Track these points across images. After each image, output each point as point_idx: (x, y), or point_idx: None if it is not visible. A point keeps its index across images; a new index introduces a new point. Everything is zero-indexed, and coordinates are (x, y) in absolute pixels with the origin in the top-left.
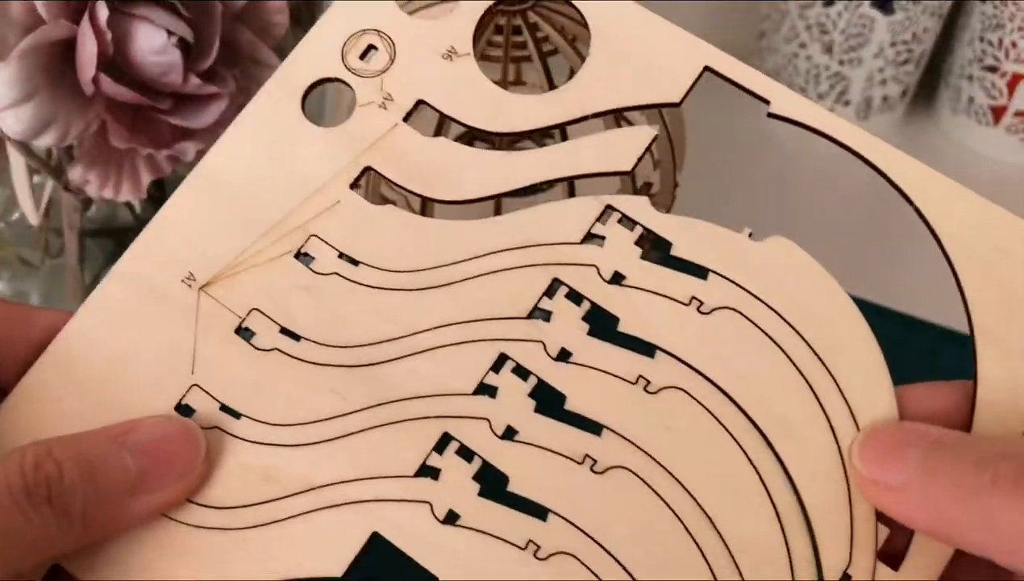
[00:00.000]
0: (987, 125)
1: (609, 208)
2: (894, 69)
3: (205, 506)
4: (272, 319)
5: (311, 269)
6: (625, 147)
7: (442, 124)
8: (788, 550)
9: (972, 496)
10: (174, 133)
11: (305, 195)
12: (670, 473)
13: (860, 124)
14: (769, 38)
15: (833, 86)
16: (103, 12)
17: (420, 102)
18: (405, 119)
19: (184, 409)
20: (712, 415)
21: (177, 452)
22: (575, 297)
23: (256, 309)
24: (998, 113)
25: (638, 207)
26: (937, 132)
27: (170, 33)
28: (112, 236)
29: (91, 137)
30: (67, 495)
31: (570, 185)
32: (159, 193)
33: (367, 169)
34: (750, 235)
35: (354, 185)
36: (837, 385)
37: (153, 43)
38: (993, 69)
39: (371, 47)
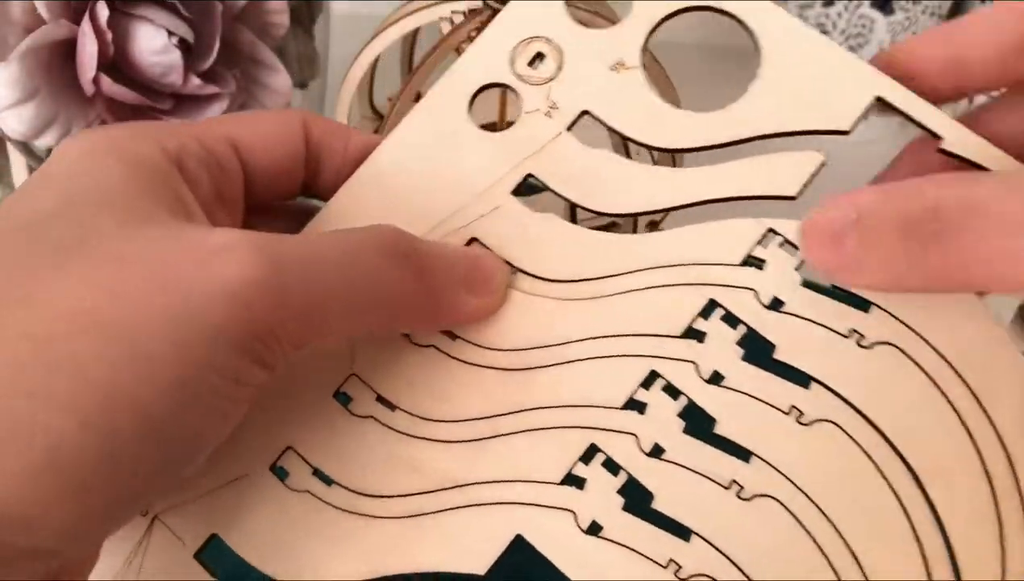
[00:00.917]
0: None
1: (771, 231)
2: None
3: (357, 492)
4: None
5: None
6: (791, 172)
7: None
8: None
9: (919, 257)
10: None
11: (468, 198)
12: (817, 506)
13: (860, 124)
14: None
15: None
16: (103, 12)
17: (584, 113)
18: (568, 128)
19: (341, 397)
20: (864, 452)
21: (492, 268)
22: (731, 320)
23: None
24: None
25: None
26: None
27: (170, 33)
28: None
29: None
30: (423, 257)
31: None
32: None
33: (529, 176)
34: None
35: (515, 191)
36: (996, 431)
37: (153, 43)
38: None
39: (539, 55)
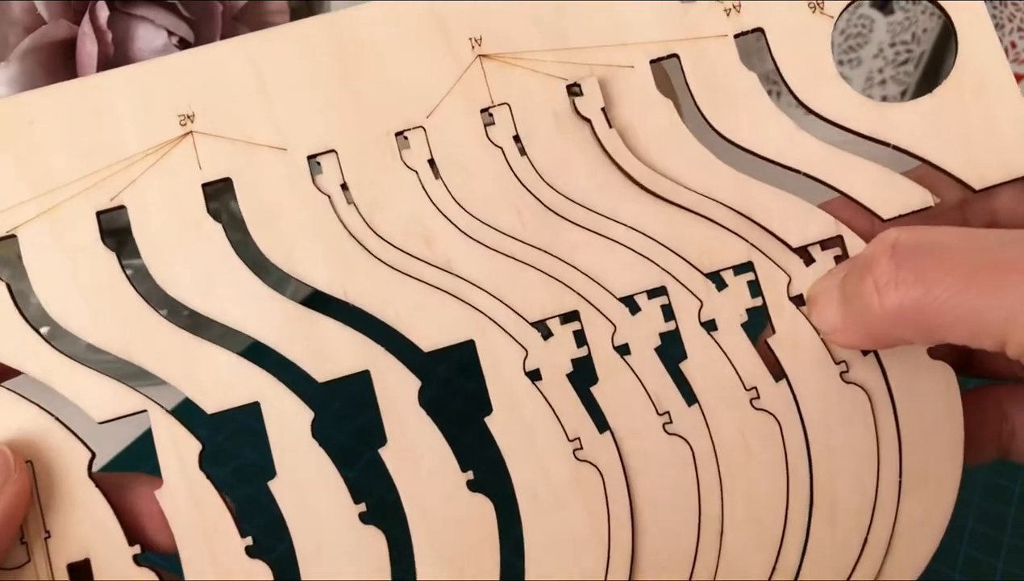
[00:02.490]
0: None
1: (750, 263)
2: (893, 69)
3: (369, 227)
4: (515, 122)
5: (577, 107)
6: (899, 197)
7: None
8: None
9: (873, 308)
10: None
11: (616, 41)
12: (720, 475)
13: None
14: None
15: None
16: (103, 12)
17: (758, 30)
18: (737, 36)
19: (400, 138)
20: (784, 458)
21: None
22: (755, 289)
23: (508, 105)
24: None
25: (775, 281)
26: None
27: (170, 33)
28: (112, 236)
29: None
30: None
31: None
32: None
33: (674, 55)
34: None
35: (654, 62)
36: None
37: (153, 43)
38: None
39: None
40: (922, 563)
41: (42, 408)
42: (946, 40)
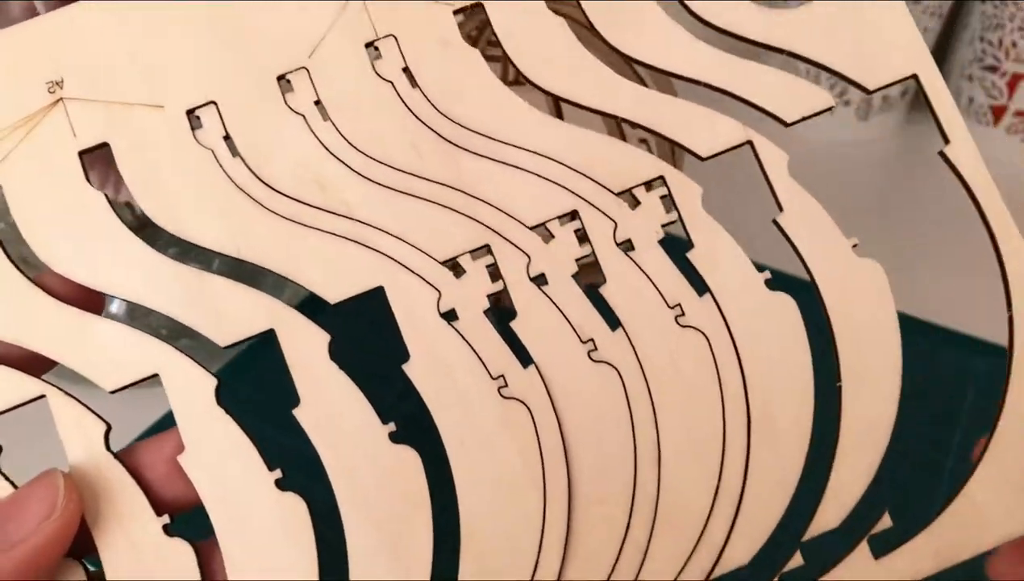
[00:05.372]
0: (987, 125)
1: (661, 179)
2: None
3: (257, 176)
4: (404, 55)
5: (456, 27)
6: (799, 101)
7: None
8: (708, 519)
9: None
10: None
11: None
12: (651, 395)
13: (860, 124)
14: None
15: (833, 86)
16: None
17: None
18: None
19: (283, 81)
20: (716, 372)
21: (31, 497)
22: (669, 202)
23: (394, 36)
24: (998, 113)
25: (689, 194)
26: (937, 132)
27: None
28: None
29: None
30: None
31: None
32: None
33: None
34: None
35: None
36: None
37: None
38: (993, 69)
39: None
40: (872, 467)
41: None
42: (945, 40)
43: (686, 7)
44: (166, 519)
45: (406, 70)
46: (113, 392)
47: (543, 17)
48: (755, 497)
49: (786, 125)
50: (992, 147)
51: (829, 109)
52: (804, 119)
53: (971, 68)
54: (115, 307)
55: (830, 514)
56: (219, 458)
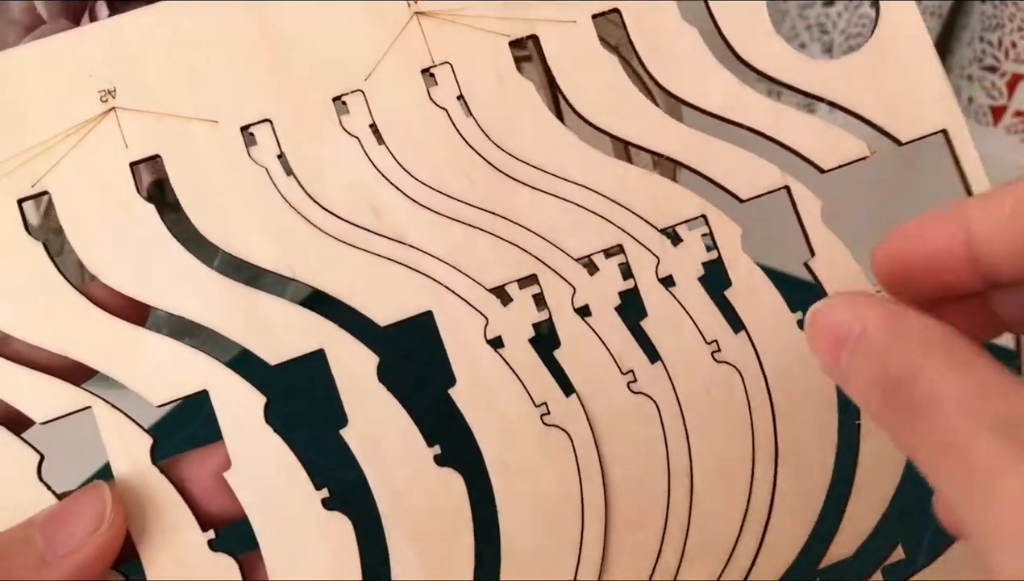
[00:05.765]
0: (987, 125)
1: (703, 217)
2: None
3: (310, 196)
4: (459, 81)
5: (515, 58)
6: (836, 147)
7: None
8: (735, 545)
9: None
10: None
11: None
12: (686, 430)
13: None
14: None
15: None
16: (103, 12)
17: None
18: None
19: (340, 104)
20: (748, 410)
21: (80, 510)
22: (711, 241)
23: (450, 64)
24: (998, 113)
25: (729, 234)
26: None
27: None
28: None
29: None
30: None
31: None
32: (159, 193)
33: (615, 10)
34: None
35: (595, 15)
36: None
37: None
38: (993, 69)
39: None
40: (885, 500)
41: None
42: (945, 40)
43: (732, 50)
44: (211, 534)
45: (460, 98)
46: (160, 406)
47: (596, 52)
48: (780, 524)
49: (822, 172)
50: (992, 147)
51: (864, 158)
52: (840, 167)
53: (971, 68)
54: None
55: (845, 543)
56: (266, 476)
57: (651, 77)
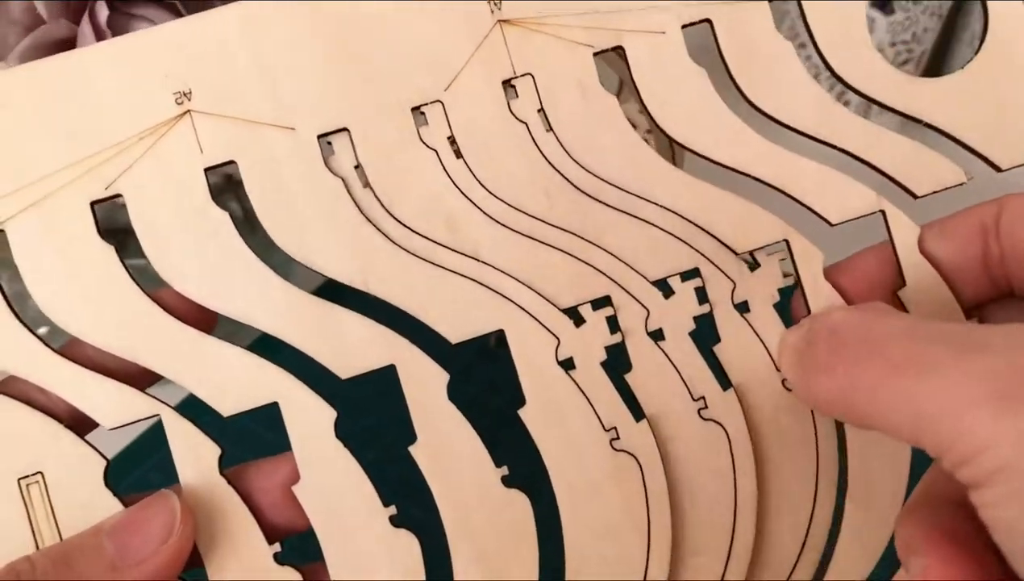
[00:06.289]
0: None
1: (784, 242)
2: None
3: (386, 209)
4: (540, 96)
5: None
6: (931, 174)
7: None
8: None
9: (812, 386)
10: None
11: (646, 5)
12: (755, 458)
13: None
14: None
15: (833, 86)
16: (103, 12)
17: None
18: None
19: (418, 115)
20: (815, 433)
21: (151, 519)
22: (792, 272)
23: (532, 75)
24: None
25: (810, 260)
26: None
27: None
28: (112, 236)
29: None
30: None
31: None
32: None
33: (707, 20)
34: None
35: (686, 27)
36: None
37: None
38: None
39: None
40: None
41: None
42: (946, 40)
43: (825, 63)
44: (277, 547)
45: (541, 111)
46: (229, 418)
47: (684, 65)
48: (844, 554)
49: (915, 198)
50: None
51: (960, 185)
52: (934, 193)
53: None
54: None
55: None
56: (334, 490)
57: (739, 92)
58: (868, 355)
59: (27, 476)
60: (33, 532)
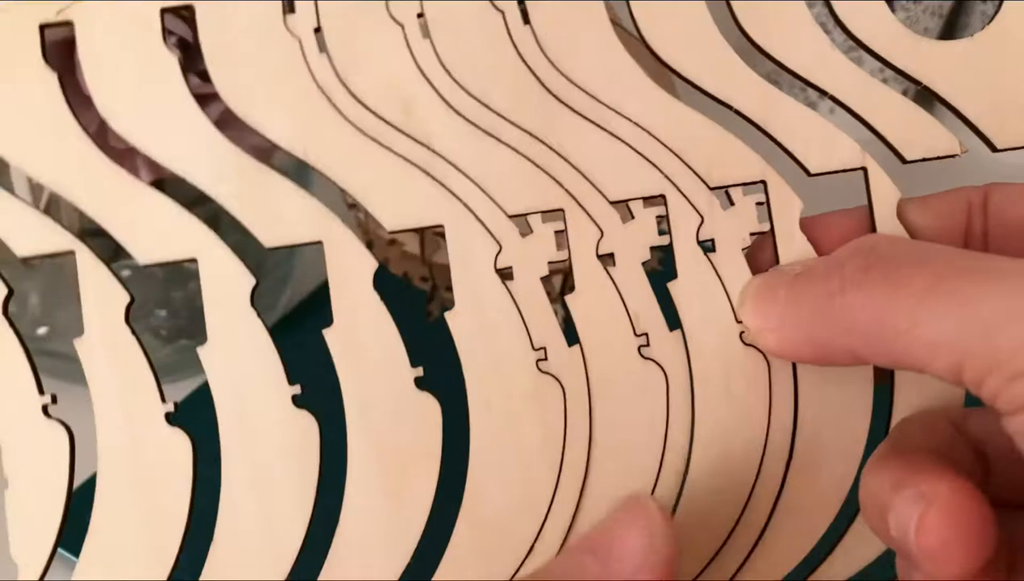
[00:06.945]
0: None
1: (762, 183)
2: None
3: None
4: None
5: None
6: (925, 139)
7: None
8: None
9: (829, 307)
10: None
11: None
12: (693, 412)
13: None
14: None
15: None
16: None
17: None
18: None
19: None
20: (770, 399)
21: (627, 526)
22: (762, 212)
23: None
24: None
25: (787, 205)
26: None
27: (169, 32)
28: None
29: (90, 137)
30: None
31: None
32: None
33: None
34: None
35: None
36: None
37: None
38: None
39: None
40: None
41: None
42: (945, 40)
43: (831, 9)
44: (170, 406)
45: (521, 3)
46: (145, 267)
47: None
48: (779, 531)
49: (903, 162)
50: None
51: (953, 156)
52: (923, 161)
53: None
54: None
55: (837, 568)
56: (241, 357)
57: (735, 20)
58: (918, 263)
59: None
60: None
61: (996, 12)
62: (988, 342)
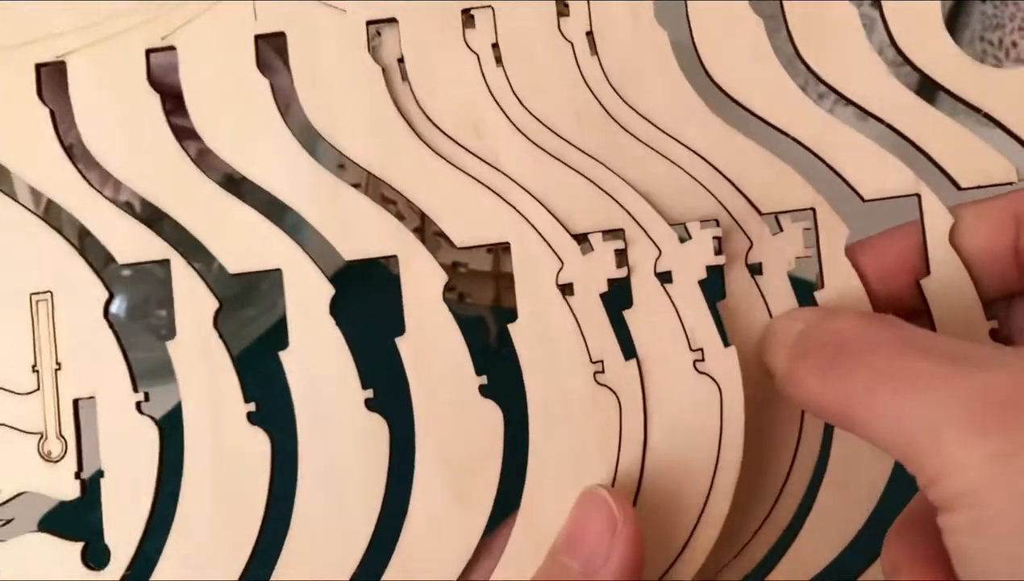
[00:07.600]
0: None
1: (811, 210)
2: (894, 69)
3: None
4: (591, 16)
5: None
6: (980, 167)
7: None
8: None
9: (795, 385)
10: (175, 133)
11: None
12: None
13: (859, 124)
14: (770, 38)
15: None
16: None
17: None
18: None
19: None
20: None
21: (590, 518)
22: (810, 238)
23: None
24: None
25: (835, 232)
26: None
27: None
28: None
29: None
30: None
31: None
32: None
33: None
34: None
35: None
36: None
37: None
38: None
39: None
40: None
41: (67, 240)
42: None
43: (891, 39)
44: (252, 406)
45: (590, 35)
46: (236, 276)
47: (743, 14)
48: (808, 538)
49: (959, 189)
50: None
51: (1009, 184)
52: (980, 188)
53: None
54: (115, 307)
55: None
56: (318, 363)
57: (794, 47)
58: (861, 364)
59: (38, 293)
60: (34, 345)
61: None
62: (912, 451)
